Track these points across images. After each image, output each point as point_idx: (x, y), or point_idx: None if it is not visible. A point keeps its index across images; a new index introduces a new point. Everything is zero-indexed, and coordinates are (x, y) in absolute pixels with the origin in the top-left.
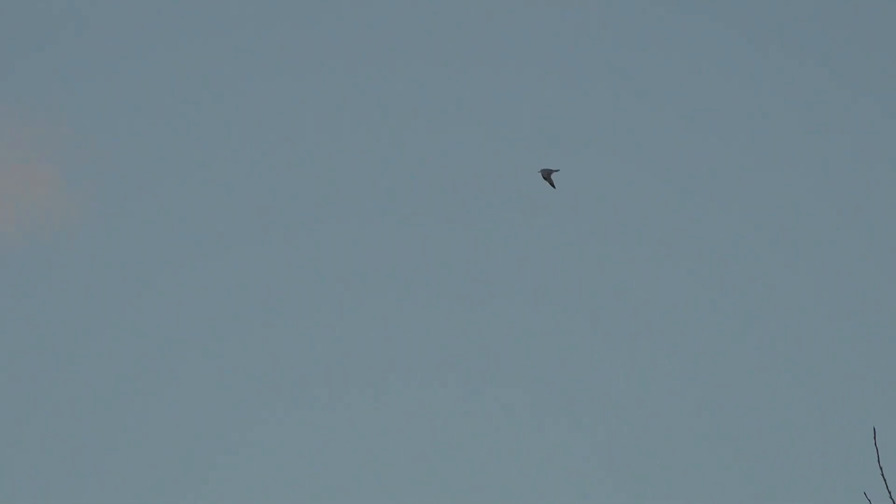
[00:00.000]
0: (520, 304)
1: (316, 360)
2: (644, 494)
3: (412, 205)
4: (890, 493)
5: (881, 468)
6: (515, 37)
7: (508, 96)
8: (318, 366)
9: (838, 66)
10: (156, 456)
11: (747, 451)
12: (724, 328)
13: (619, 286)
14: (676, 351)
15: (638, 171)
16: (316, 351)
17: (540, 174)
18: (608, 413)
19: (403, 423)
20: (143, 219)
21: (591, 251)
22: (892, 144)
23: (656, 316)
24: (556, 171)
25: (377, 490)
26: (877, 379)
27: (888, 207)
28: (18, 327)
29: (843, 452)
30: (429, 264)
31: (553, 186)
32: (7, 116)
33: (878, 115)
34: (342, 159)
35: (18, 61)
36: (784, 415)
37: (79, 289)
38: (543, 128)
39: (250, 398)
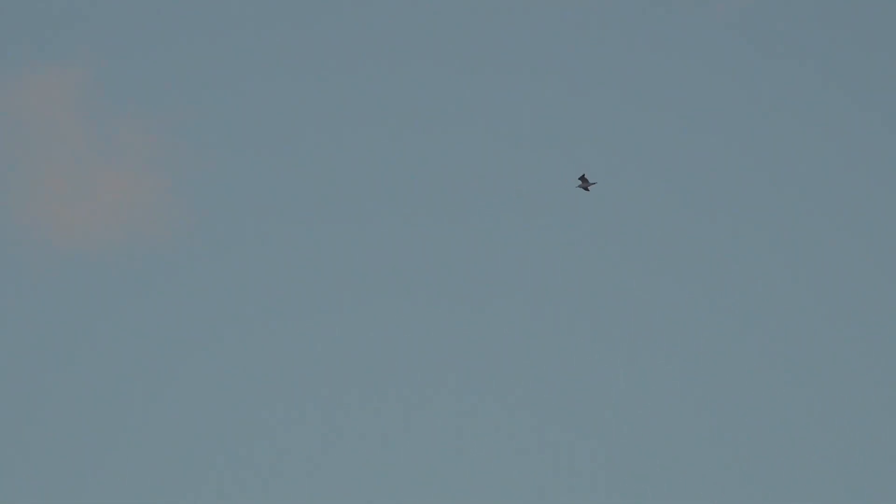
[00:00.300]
0: (520, 305)
1: (316, 360)
2: (644, 494)
3: (412, 205)
4: None
5: None
6: (515, 37)
7: (508, 96)
8: (318, 366)
9: (838, 66)
10: (156, 456)
11: (747, 450)
12: (724, 329)
13: (619, 286)
14: (676, 351)
15: (638, 172)
16: (316, 351)
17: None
18: (608, 413)
19: (403, 422)
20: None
21: (592, 252)
22: (892, 144)
23: (656, 316)
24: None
25: (377, 490)
26: (877, 379)
27: (888, 207)
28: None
29: (843, 452)
30: (429, 264)
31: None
32: (125, 127)
33: (878, 115)
34: (342, 159)
35: (139, 76)
36: (784, 415)
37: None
38: (544, 128)
39: (250, 398)
